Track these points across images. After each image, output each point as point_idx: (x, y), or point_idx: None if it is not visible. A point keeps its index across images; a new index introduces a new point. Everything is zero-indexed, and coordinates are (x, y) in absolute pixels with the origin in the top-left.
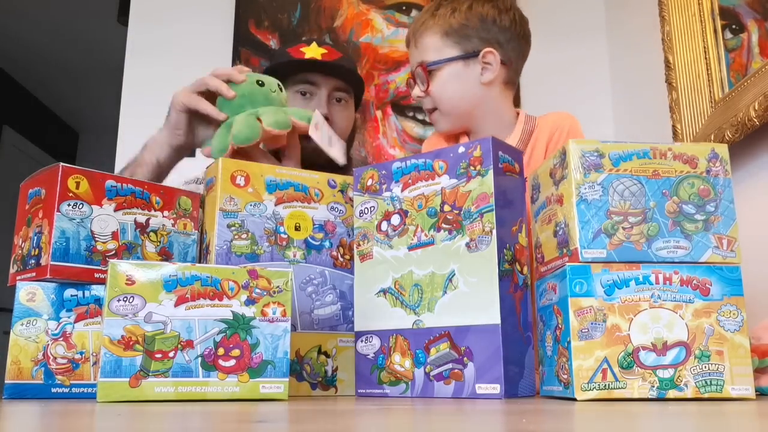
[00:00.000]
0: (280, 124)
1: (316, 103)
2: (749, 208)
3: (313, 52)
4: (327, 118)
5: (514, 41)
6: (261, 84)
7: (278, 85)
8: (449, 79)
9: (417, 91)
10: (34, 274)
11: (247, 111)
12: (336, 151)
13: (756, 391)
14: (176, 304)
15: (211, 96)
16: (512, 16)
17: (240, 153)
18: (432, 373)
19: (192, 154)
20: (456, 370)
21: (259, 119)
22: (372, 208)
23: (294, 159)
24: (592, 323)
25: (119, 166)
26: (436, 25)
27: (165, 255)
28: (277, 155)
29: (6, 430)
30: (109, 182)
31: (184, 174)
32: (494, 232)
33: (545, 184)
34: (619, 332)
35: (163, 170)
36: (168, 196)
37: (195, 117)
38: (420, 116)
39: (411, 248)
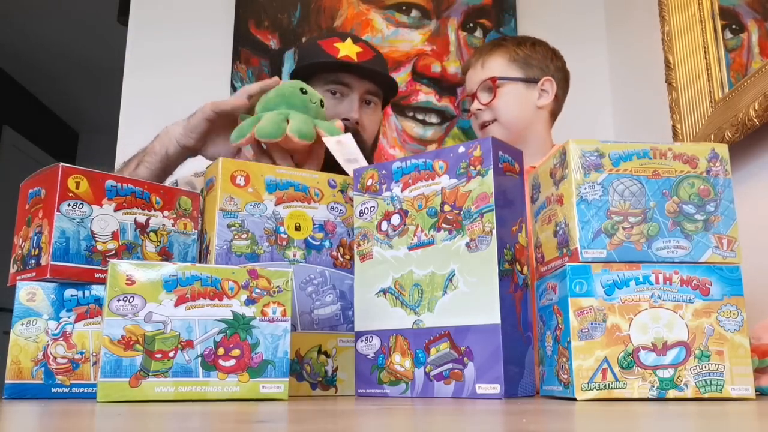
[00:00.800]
0: (304, 135)
1: (347, 105)
2: (749, 208)
3: (347, 49)
4: (357, 122)
5: (563, 81)
6: (304, 91)
7: (321, 100)
8: (512, 96)
9: (476, 105)
10: (34, 274)
11: (277, 111)
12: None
13: (756, 391)
14: (176, 304)
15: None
16: (564, 63)
17: (259, 147)
18: (432, 373)
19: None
20: (456, 370)
21: (287, 120)
22: (372, 208)
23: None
24: (592, 323)
25: (119, 165)
26: (504, 52)
27: (165, 255)
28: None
29: (6, 430)
30: (109, 182)
31: (194, 167)
32: (494, 232)
33: (545, 184)
34: (619, 332)
35: (170, 163)
36: (168, 196)
37: (214, 131)
38: (420, 116)
39: (411, 248)
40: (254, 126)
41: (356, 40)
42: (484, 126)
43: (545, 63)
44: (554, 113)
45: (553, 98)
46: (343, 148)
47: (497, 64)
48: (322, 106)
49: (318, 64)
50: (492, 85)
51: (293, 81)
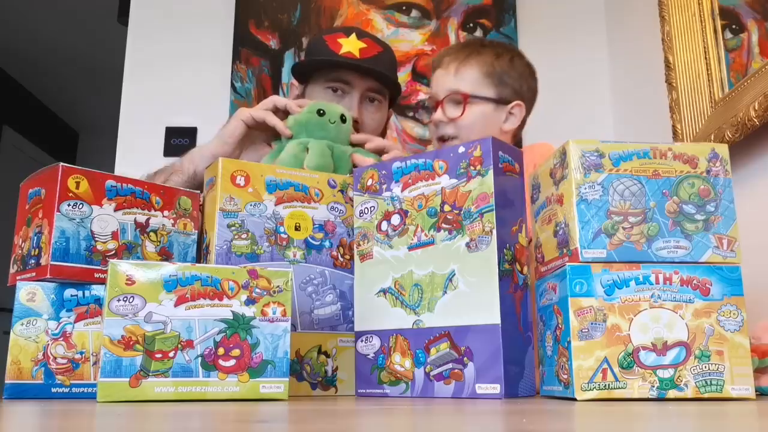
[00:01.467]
0: (320, 167)
1: (347, 103)
2: (749, 208)
3: (350, 45)
4: (356, 121)
5: (531, 102)
6: (321, 113)
7: (341, 116)
8: (480, 116)
9: (440, 116)
10: (34, 274)
11: (298, 140)
12: None
13: (756, 391)
14: (176, 304)
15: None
16: (536, 81)
17: None
18: (432, 373)
19: None
20: (456, 370)
21: (307, 149)
22: (372, 208)
23: None
24: (592, 323)
25: (119, 166)
26: (481, 62)
27: (165, 255)
28: None
29: (6, 430)
30: (109, 182)
31: None
32: (494, 232)
33: (545, 184)
34: (619, 332)
35: (197, 184)
36: (168, 196)
37: (251, 135)
38: (420, 116)
39: (411, 248)
40: (274, 159)
41: (362, 35)
42: (443, 140)
43: (519, 83)
44: (516, 135)
45: (519, 123)
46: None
47: (471, 77)
48: (344, 121)
49: (316, 61)
50: (463, 101)
51: (312, 104)
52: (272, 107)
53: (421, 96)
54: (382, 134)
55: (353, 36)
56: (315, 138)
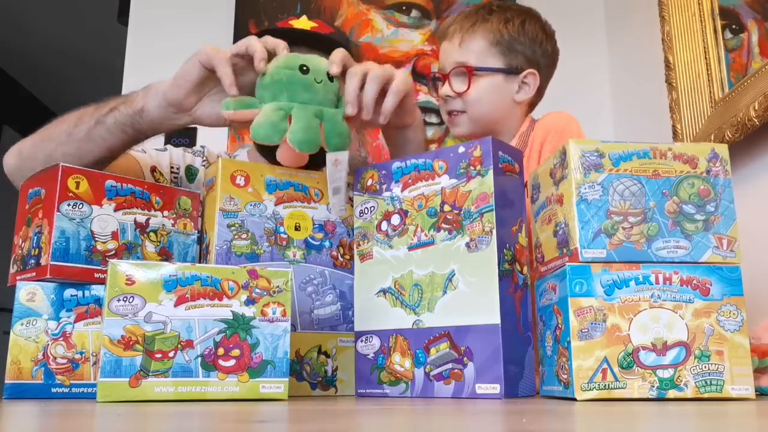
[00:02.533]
0: (305, 144)
1: None
2: (749, 208)
3: (302, 24)
4: None
5: (550, 67)
6: (305, 70)
7: (328, 74)
8: (488, 89)
9: (447, 90)
10: (34, 274)
11: (278, 103)
12: (336, 201)
13: (756, 391)
14: (176, 304)
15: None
16: (554, 43)
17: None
18: (432, 373)
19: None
20: (456, 370)
21: (289, 118)
22: (372, 208)
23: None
24: (592, 323)
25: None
26: (487, 31)
27: (165, 255)
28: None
29: (6, 430)
30: (109, 182)
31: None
32: (494, 232)
33: (545, 184)
34: (619, 332)
35: (143, 126)
36: (168, 196)
37: (213, 78)
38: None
39: (411, 248)
40: (246, 109)
41: (313, 18)
42: (451, 114)
43: (533, 49)
44: (533, 104)
45: (535, 91)
46: (336, 170)
47: (477, 47)
48: (331, 79)
49: (263, 33)
50: (468, 73)
51: (291, 56)
52: (243, 50)
53: (421, 96)
54: None
55: (304, 18)
56: (298, 101)
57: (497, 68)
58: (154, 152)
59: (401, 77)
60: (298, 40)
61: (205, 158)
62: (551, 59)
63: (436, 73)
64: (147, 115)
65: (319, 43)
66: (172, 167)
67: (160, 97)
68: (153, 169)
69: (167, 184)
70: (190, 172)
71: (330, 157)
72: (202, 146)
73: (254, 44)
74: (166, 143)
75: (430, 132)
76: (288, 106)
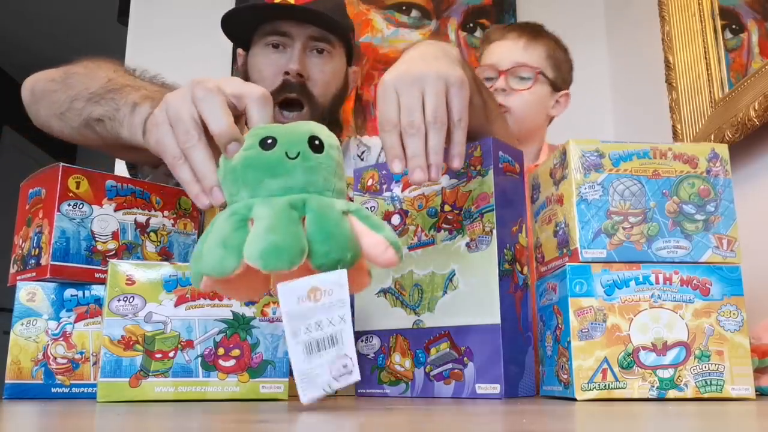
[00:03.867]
0: (272, 257)
1: (288, 57)
2: (749, 208)
3: None
4: (301, 74)
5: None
6: (269, 144)
7: (312, 139)
8: (537, 96)
9: (503, 84)
10: (34, 274)
11: (235, 206)
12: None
13: (756, 391)
14: (176, 304)
15: None
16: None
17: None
18: (432, 373)
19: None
20: (456, 370)
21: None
22: (372, 208)
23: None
24: (592, 323)
25: (119, 166)
26: (546, 44)
27: (165, 255)
28: None
29: (6, 430)
30: (109, 182)
31: None
32: (494, 232)
33: (545, 184)
34: (619, 332)
35: (109, 143)
36: (168, 196)
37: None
38: None
39: (411, 248)
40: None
41: None
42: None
43: (569, 74)
44: (550, 123)
45: (562, 112)
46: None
47: (539, 54)
48: (319, 148)
49: (244, 9)
50: (534, 76)
51: (252, 131)
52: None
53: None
54: (344, 89)
55: None
56: (261, 195)
57: (551, 79)
58: None
59: (459, 96)
60: (277, 14)
61: None
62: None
63: (486, 64)
64: (134, 149)
65: (303, 15)
66: None
67: (141, 144)
68: None
69: None
70: None
71: (305, 282)
72: None
73: (213, 112)
74: None
75: None
76: (248, 203)
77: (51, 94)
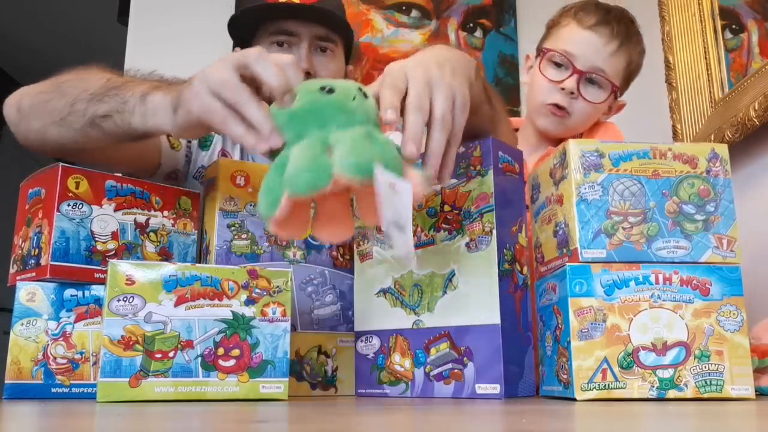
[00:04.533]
0: (358, 168)
1: (295, 55)
2: (749, 208)
3: None
4: (309, 72)
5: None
6: (329, 90)
7: (360, 89)
8: (600, 108)
9: (574, 85)
10: (34, 274)
11: (308, 140)
12: (402, 240)
13: (756, 391)
14: (176, 304)
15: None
16: None
17: (301, 209)
18: (432, 373)
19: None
20: (456, 370)
21: (329, 150)
22: None
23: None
24: (592, 323)
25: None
26: (627, 54)
27: (165, 255)
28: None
29: (6, 430)
30: (109, 182)
31: None
32: (494, 232)
33: (545, 184)
34: (619, 332)
35: (121, 143)
36: (168, 196)
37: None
38: None
39: None
40: (277, 177)
41: None
42: (558, 107)
43: (630, 83)
44: None
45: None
46: (394, 196)
47: (618, 66)
48: (366, 95)
49: (253, 9)
50: (610, 92)
51: (305, 83)
52: (248, 74)
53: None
54: None
55: None
56: (335, 126)
57: (619, 91)
58: None
59: (460, 117)
60: (286, 14)
61: None
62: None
63: (568, 53)
64: (147, 135)
65: (309, 15)
66: None
67: (161, 129)
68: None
69: (180, 149)
70: (204, 138)
71: (383, 178)
72: None
73: (267, 69)
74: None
75: None
76: (324, 135)
77: (44, 104)
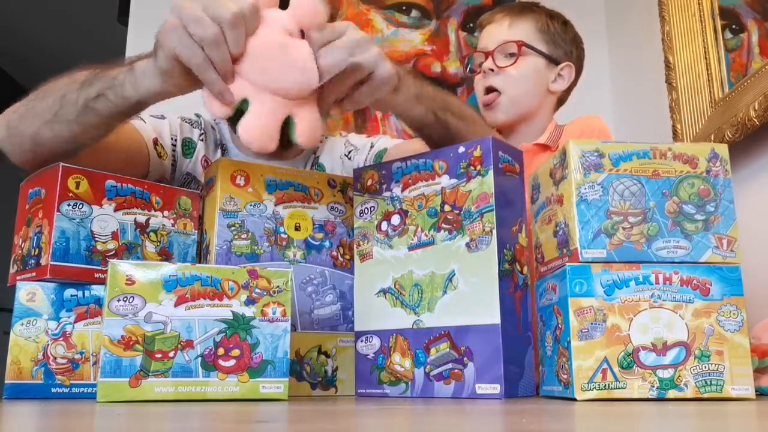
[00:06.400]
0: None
1: None
2: (749, 208)
3: None
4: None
5: (579, 71)
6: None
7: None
8: (530, 70)
9: (491, 64)
10: (34, 274)
11: None
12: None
13: (756, 391)
14: (176, 304)
15: None
16: (583, 51)
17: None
18: (432, 373)
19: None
20: (456, 370)
21: None
22: (372, 208)
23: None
24: (592, 323)
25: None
26: (535, 19)
27: (165, 255)
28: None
29: (6, 430)
30: (109, 182)
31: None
32: (494, 232)
33: (545, 184)
34: (619, 332)
35: (120, 117)
36: (168, 196)
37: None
38: None
39: (411, 248)
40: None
41: None
42: (489, 91)
43: (570, 48)
44: (562, 101)
45: (567, 86)
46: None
47: (526, 29)
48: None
49: None
50: (517, 50)
51: None
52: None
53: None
54: None
55: None
56: None
57: (542, 51)
58: (154, 121)
59: (384, 70)
60: None
61: (202, 130)
62: (580, 64)
63: (477, 50)
64: (141, 104)
65: None
66: (172, 137)
67: (153, 90)
68: (155, 141)
69: (167, 158)
70: (188, 147)
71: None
72: (197, 114)
73: (206, 75)
74: None
75: None
76: None
77: (32, 110)
